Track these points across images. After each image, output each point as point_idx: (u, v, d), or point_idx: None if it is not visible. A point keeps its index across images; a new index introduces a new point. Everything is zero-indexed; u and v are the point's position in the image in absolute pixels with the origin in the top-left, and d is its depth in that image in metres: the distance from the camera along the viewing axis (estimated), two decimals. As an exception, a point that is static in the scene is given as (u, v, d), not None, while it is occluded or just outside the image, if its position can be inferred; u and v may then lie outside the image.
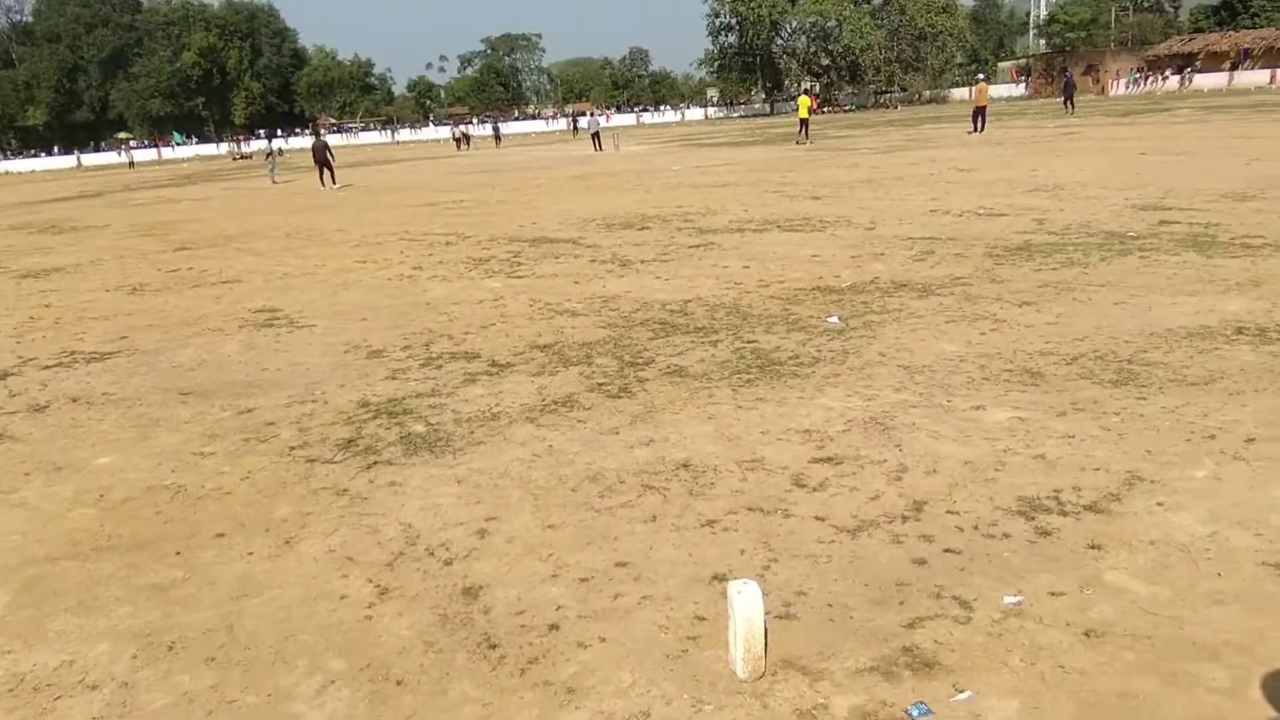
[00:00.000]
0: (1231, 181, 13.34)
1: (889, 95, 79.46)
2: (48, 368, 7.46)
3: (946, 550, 3.52)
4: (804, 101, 34.63)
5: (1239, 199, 11.71)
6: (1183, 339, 6.04)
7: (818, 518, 3.85)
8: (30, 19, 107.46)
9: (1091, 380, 5.36)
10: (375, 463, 4.83)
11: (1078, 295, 7.40)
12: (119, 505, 4.56)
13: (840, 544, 3.62)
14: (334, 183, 26.42)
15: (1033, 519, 3.72)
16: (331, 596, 3.54)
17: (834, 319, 7.04)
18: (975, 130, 29.89)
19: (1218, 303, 6.88)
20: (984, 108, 30.71)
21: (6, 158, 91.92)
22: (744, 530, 3.79)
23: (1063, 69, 67.44)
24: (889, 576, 3.37)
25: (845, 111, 75.25)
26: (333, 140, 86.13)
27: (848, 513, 3.87)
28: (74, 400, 6.47)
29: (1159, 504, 3.79)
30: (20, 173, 77.86)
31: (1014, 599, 3.17)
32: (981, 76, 35.09)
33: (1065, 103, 39.72)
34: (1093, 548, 3.49)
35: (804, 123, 33.68)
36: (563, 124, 77.47)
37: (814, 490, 4.11)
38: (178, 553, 4.00)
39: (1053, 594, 3.20)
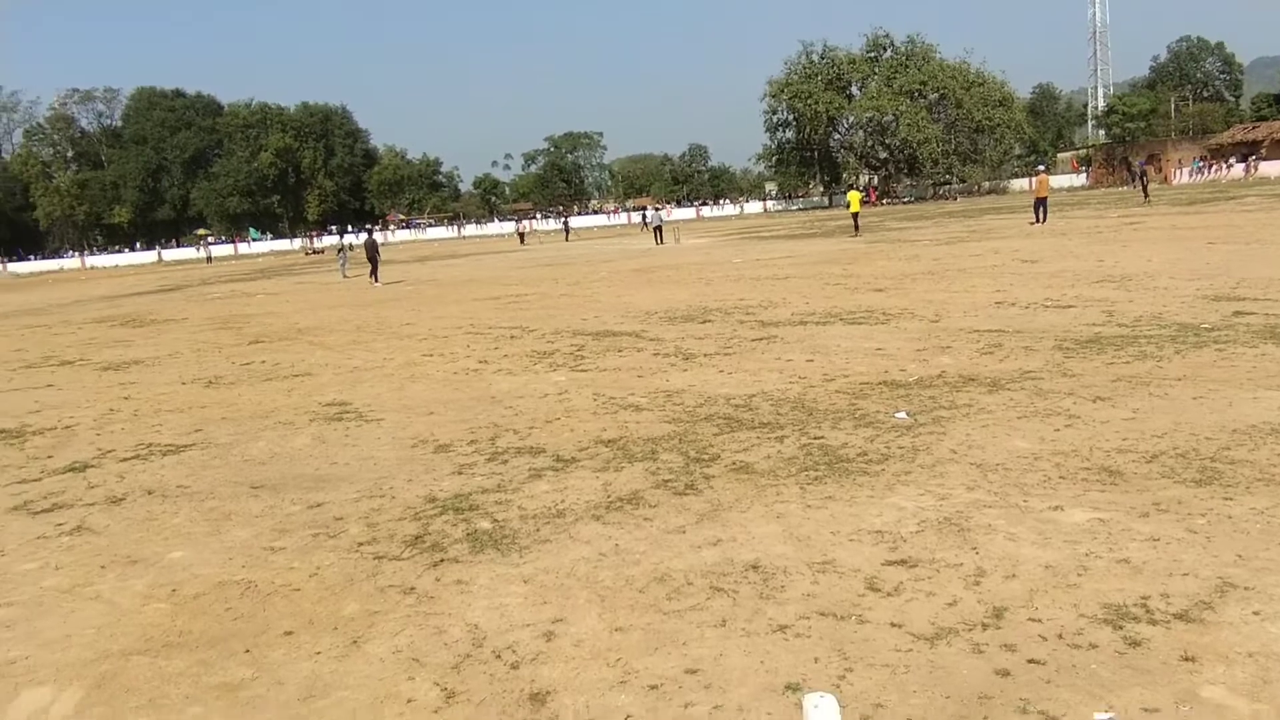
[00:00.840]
0: (1308, 271, 13.03)
1: (948, 187, 79.70)
2: (125, 460, 7.64)
3: (1030, 661, 3.38)
4: (854, 196, 35.19)
5: (1317, 290, 11.42)
6: (1267, 435, 5.84)
7: (894, 624, 3.73)
8: (120, 123, 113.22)
9: (1173, 479, 5.19)
10: (442, 560, 4.82)
11: (1153, 390, 7.22)
12: (191, 600, 4.60)
13: (918, 653, 3.50)
14: (376, 280, 27.02)
15: (1120, 628, 3.57)
16: (399, 699, 3.50)
17: (902, 414, 6.95)
18: (1037, 221, 29.84)
19: (1303, 398, 6.65)
20: (1045, 198, 30.89)
21: (92, 253, 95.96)
22: (817, 636, 3.68)
23: (1123, 159, 67.26)
24: (971, 689, 3.24)
25: (904, 203, 75.54)
26: (401, 235, 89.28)
27: (925, 619, 3.75)
28: (149, 493, 6.60)
29: (1255, 613, 3.62)
30: (104, 268, 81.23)
31: (1105, 715, 3.02)
32: (1041, 168, 35.32)
33: (1143, 191, 39.84)
34: (1186, 660, 3.32)
35: (855, 216, 34.21)
36: (624, 218, 78.92)
37: (889, 595, 4.00)
38: (247, 650, 4.00)
39: (1146, 710, 3.05)
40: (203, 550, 5.31)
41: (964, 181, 79.80)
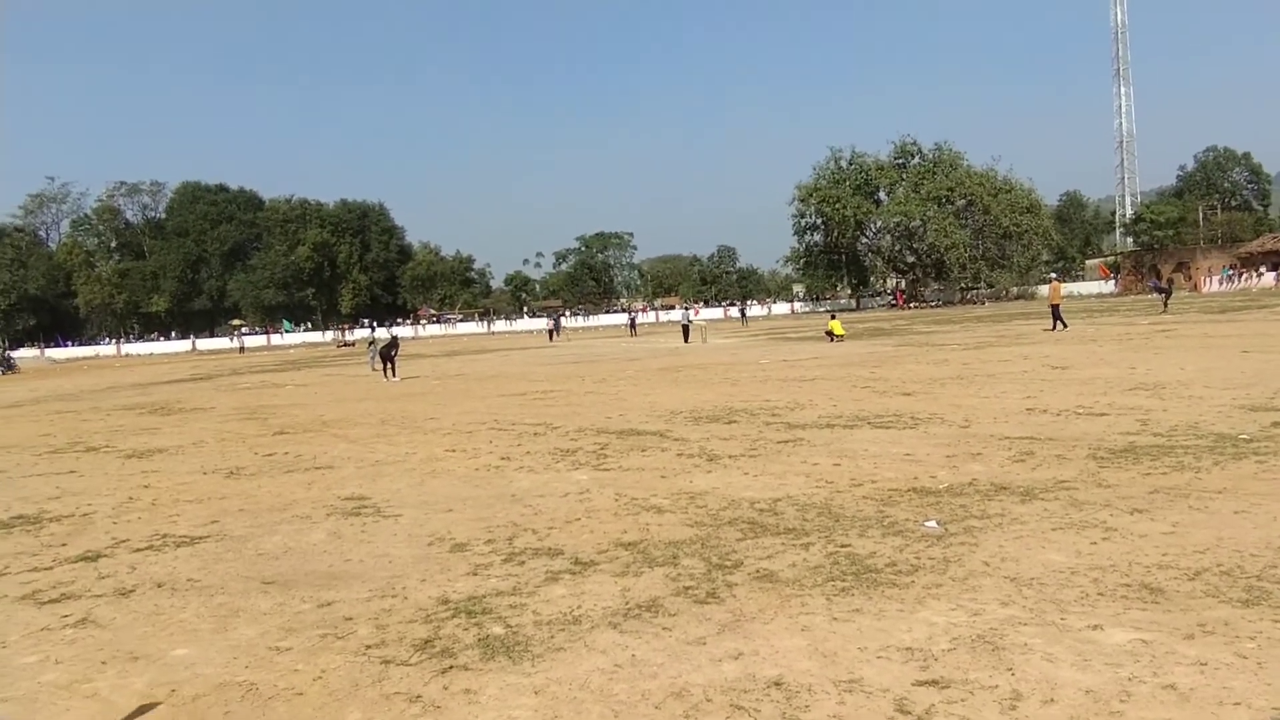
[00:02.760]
0: (1348, 383, 12.75)
1: (975, 292, 79.89)
2: (139, 550, 7.53)
3: (1073, 797, 3.14)
4: (835, 324, 34.15)
5: (1359, 402, 11.15)
6: (1317, 555, 5.58)
7: (924, 751, 3.51)
8: (163, 215, 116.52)
9: (1218, 599, 4.94)
10: (451, 666, 4.63)
11: (1193, 502, 6.97)
12: (189, 702, 4.43)
13: (951, 784, 3.27)
14: (395, 376, 27.13)
15: (1170, 763, 3.33)
16: (396, 819, 3.30)
17: (932, 523, 6.73)
18: (1054, 328, 30.02)
19: (1351, 515, 6.39)
20: (1057, 305, 31.36)
21: (128, 341, 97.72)
22: (843, 762, 3.46)
23: (1154, 267, 67.32)
24: (1009, 827, 3.00)
25: (932, 307, 75.67)
26: (431, 330, 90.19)
27: (958, 746, 3.52)
28: (159, 586, 6.47)
29: (1315, 750, 3.37)
30: (139, 355, 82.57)
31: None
32: (1053, 276, 35.55)
33: (1164, 301, 39.84)
34: (1243, 802, 3.08)
35: (830, 334, 33.40)
36: (652, 317, 79.27)
37: (919, 718, 3.77)
38: (243, 760, 3.82)
39: None
40: (207, 648, 5.15)
41: (992, 286, 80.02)
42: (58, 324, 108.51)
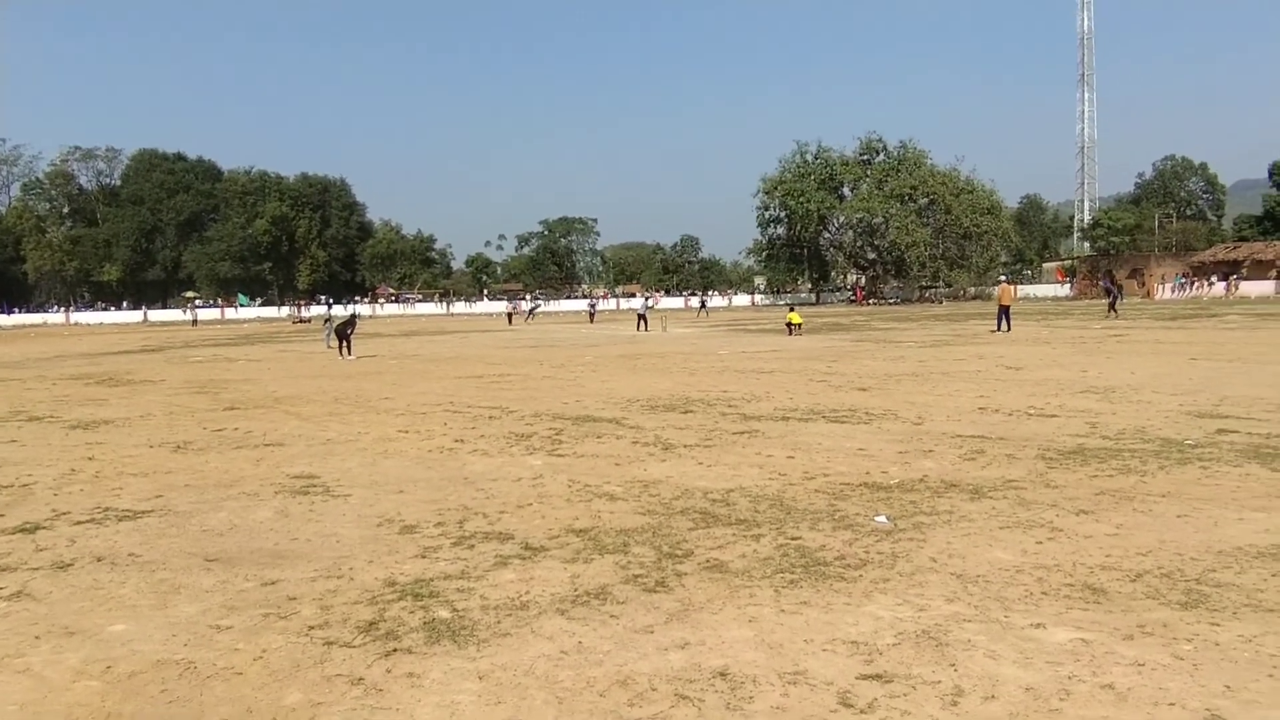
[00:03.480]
0: (1290, 393, 13.04)
1: (934, 290, 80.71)
2: (79, 523, 7.37)
3: (1010, 793, 3.17)
4: (793, 315, 35.27)
5: (1300, 411, 11.40)
6: (1254, 559, 5.69)
7: (865, 744, 3.52)
8: (119, 182, 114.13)
9: (1158, 600, 5.02)
10: (395, 650, 4.58)
11: (1137, 505, 7.08)
12: (125, 679, 4.34)
13: (891, 778, 3.29)
14: (350, 354, 26.84)
15: (1105, 761, 3.37)
16: (333, 803, 3.25)
17: (882, 518, 6.78)
18: (999, 329, 30.32)
19: (1289, 522, 6.52)
20: (1008, 307, 31.39)
21: (78, 309, 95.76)
22: (784, 754, 3.47)
23: (1107, 273, 68.49)
24: (946, 821, 3.02)
25: (890, 304, 76.34)
26: (390, 309, 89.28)
27: (899, 741, 3.54)
28: (99, 560, 6.33)
29: (1246, 752, 3.43)
30: (89, 325, 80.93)
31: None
32: (1004, 278, 35.96)
33: (1110, 305, 40.53)
34: (1175, 801, 3.12)
35: (790, 325, 34.35)
36: (614, 304, 79.02)
37: (861, 712, 3.79)
38: (177, 739, 3.75)
39: None
40: (146, 625, 5.05)
41: (950, 286, 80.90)
42: (4, 290, 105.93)
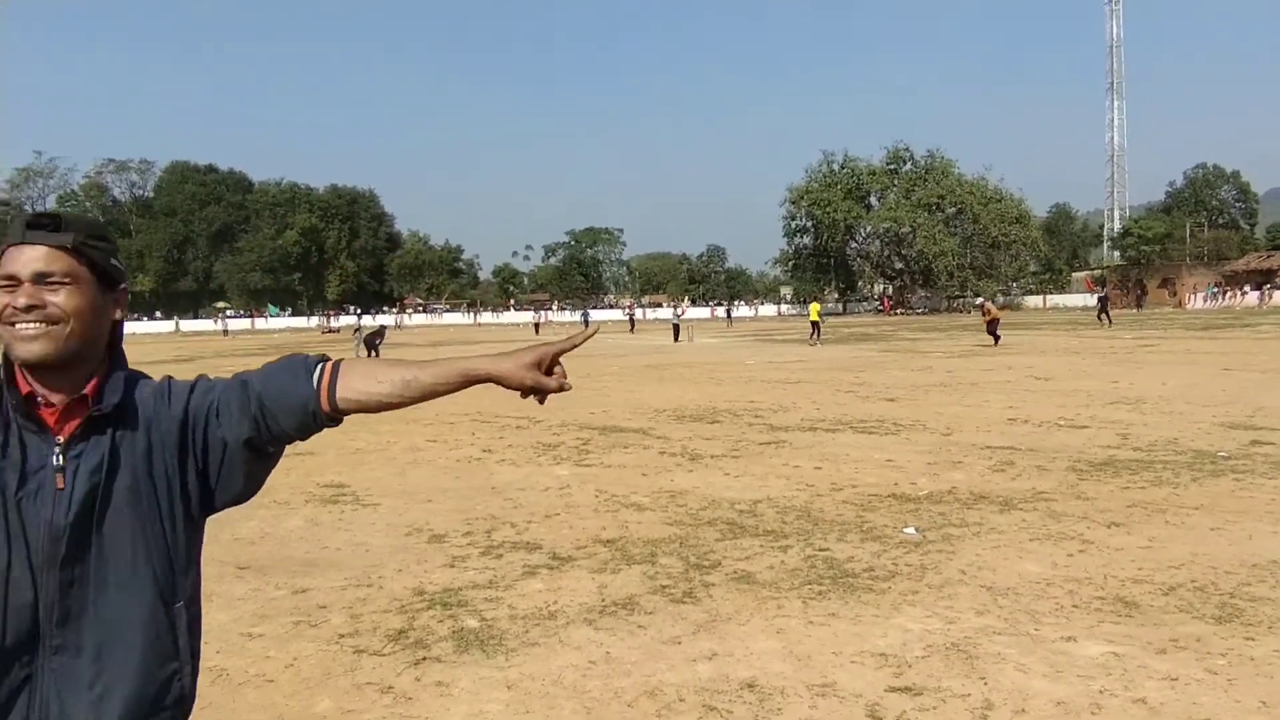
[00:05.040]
0: (1327, 404, 12.85)
1: (962, 300, 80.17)
2: (114, 533, 7.46)
3: (1041, 808, 3.15)
4: (815, 307, 37.04)
5: (1337, 423, 11.23)
6: (1290, 573, 5.62)
7: (895, 757, 3.51)
8: (151, 194, 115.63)
9: (1192, 614, 4.97)
10: (424, 659, 4.61)
11: (1170, 518, 7.01)
12: (159, 687, 4.39)
13: (920, 791, 3.28)
14: None
15: (1138, 776, 3.34)
16: (364, 810, 3.28)
17: (910, 530, 6.75)
18: (996, 343, 29.05)
19: (1325, 535, 6.43)
20: (996, 320, 30.45)
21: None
22: (813, 766, 3.46)
23: (1100, 281, 67.97)
24: (976, 836, 3.01)
25: (918, 314, 75.93)
26: (417, 319, 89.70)
27: (928, 754, 3.53)
28: (133, 569, 6.41)
29: (1282, 768, 3.39)
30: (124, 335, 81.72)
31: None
32: (980, 300, 35.89)
33: (1100, 315, 40.24)
34: (1209, 817, 3.09)
35: (815, 325, 35.29)
36: (638, 314, 78.75)
37: (890, 724, 3.78)
38: (211, 746, 3.79)
39: None
40: (179, 633, 5.11)
41: (979, 295, 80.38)
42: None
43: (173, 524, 1.61)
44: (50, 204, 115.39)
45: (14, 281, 1.53)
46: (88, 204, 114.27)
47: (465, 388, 1.67)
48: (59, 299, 1.52)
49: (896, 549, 6.30)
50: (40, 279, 1.52)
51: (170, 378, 1.71)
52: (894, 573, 5.79)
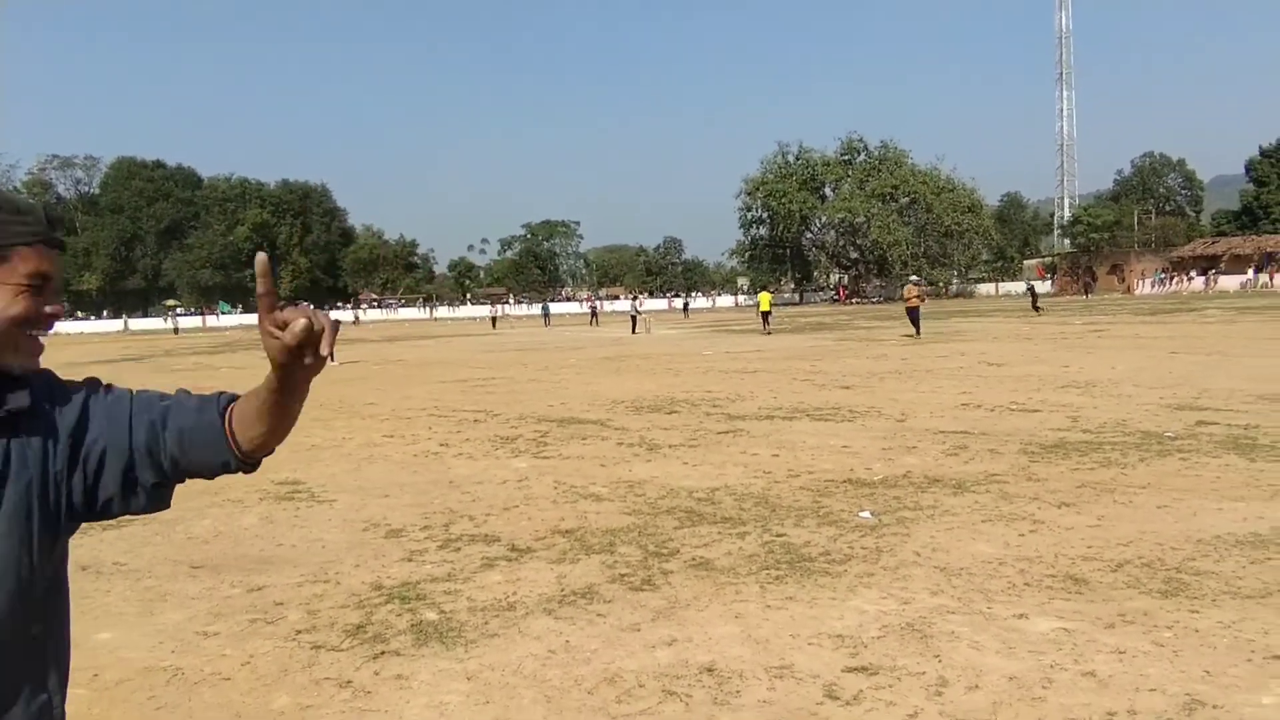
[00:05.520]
0: (1267, 383, 13.19)
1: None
2: (63, 534, 7.33)
3: (993, 780, 3.21)
4: (764, 297, 38.22)
5: (1277, 400, 11.53)
6: (1232, 547, 5.76)
7: (851, 736, 3.56)
8: (97, 191, 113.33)
9: (1139, 590, 5.08)
10: (383, 652, 4.59)
11: (1118, 497, 7.16)
12: (112, 687, 4.33)
13: (876, 768, 3.33)
14: (334, 360, 26.59)
15: (1087, 747, 3.42)
16: (322, 804, 3.27)
17: (866, 514, 6.83)
18: (917, 334, 28.32)
19: (1266, 509, 6.60)
20: (915, 309, 29.46)
21: (62, 320, 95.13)
22: (771, 747, 3.50)
23: (1030, 279, 69.55)
24: (931, 809, 3.06)
25: (873, 303, 76.63)
26: (373, 315, 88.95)
27: (884, 731, 3.58)
28: (84, 569, 6.29)
29: (1224, 735, 3.48)
30: (69, 334, 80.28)
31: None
32: (913, 279, 35.00)
33: (1033, 305, 42.13)
34: (1155, 784, 3.17)
35: (765, 315, 36.26)
36: (600, 306, 78.70)
37: (847, 704, 3.83)
38: (166, 745, 3.75)
39: (1114, 839, 2.88)
40: (132, 632, 5.04)
41: (932, 284, 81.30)
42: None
43: (50, 540, 1.44)
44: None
45: (44, 281, 1.41)
46: (31, 201, 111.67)
47: (281, 381, 1.47)
48: None
49: (852, 533, 6.38)
50: None
51: (51, 373, 1.50)
52: (850, 556, 5.85)
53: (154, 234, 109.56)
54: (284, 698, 4.13)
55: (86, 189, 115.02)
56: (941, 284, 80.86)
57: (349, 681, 4.27)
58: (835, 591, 5.21)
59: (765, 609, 4.97)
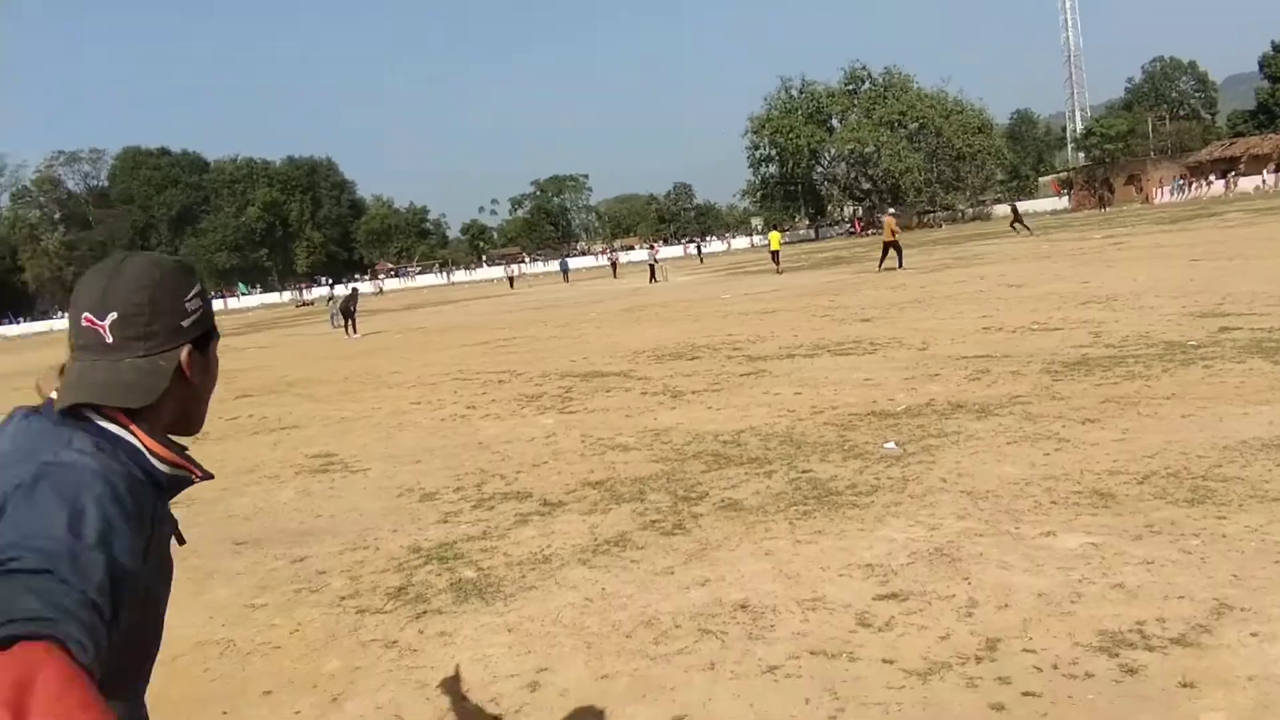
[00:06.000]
0: (1292, 285, 13.05)
1: (932, 215, 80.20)
2: (107, 522, 7.51)
3: (1025, 694, 3.29)
4: (774, 236, 38.69)
5: (1302, 303, 11.43)
6: (1258, 451, 5.78)
7: (885, 660, 3.64)
8: (106, 183, 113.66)
9: (1166, 500, 5.12)
10: (425, 612, 4.72)
11: (1142, 409, 7.17)
12: (168, 663, 4.47)
13: (911, 689, 3.41)
14: (355, 333, 26.74)
15: (1116, 655, 3.49)
16: (379, 759, 3.40)
17: (890, 444, 6.88)
18: (883, 267, 27.27)
19: (1292, 412, 6.61)
20: (894, 242, 28.10)
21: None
22: (807, 676, 3.59)
23: (1014, 198, 68.44)
24: (965, 724, 3.15)
25: (890, 233, 75.89)
26: (391, 284, 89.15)
27: (917, 654, 3.66)
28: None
29: (1253, 634, 3.54)
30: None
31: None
32: (892, 211, 34.03)
33: (1014, 224, 40.83)
34: (1185, 686, 3.24)
35: (775, 254, 36.56)
36: (618, 258, 78.40)
37: (880, 630, 3.91)
38: (224, 713, 3.90)
39: (1146, 740, 2.96)
40: (183, 610, 5.19)
41: (948, 209, 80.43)
42: (7, 301, 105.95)
43: None
44: (4, 202, 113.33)
45: None
46: (42, 199, 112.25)
47: None
48: None
49: (878, 464, 6.44)
50: None
51: None
52: (876, 487, 5.92)
53: (166, 221, 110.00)
54: (334, 661, 4.27)
55: (95, 182, 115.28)
56: (957, 208, 79.95)
57: (394, 641, 4.40)
58: (863, 523, 5.28)
59: (795, 544, 5.06)
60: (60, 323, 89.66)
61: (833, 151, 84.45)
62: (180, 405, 1.51)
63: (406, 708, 3.75)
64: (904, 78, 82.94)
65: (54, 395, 1.40)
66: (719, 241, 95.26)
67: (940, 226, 74.15)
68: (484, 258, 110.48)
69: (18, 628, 1.01)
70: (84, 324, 1.40)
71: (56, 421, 1.35)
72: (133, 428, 1.40)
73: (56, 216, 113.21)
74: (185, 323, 1.48)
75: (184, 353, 1.47)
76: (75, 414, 1.37)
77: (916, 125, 80.00)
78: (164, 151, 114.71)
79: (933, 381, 9.27)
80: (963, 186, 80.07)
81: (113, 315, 1.40)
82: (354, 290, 29.60)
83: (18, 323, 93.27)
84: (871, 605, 4.16)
